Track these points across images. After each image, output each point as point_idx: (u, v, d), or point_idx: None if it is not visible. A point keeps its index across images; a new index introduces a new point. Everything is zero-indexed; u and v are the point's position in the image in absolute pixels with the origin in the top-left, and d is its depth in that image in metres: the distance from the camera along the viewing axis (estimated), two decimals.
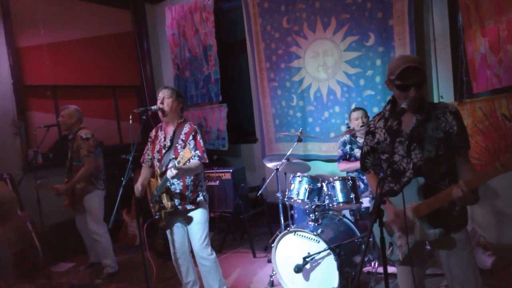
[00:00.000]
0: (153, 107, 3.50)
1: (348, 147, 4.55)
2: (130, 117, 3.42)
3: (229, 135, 6.56)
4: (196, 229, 3.58)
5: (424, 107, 2.34)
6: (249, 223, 5.40)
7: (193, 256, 3.76)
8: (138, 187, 3.59)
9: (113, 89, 6.98)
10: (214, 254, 3.71)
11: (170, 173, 3.14)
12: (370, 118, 4.54)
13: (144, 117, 3.46)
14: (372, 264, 3.96)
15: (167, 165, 3.42)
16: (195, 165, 3.41)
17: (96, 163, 4.60)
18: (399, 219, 2.37)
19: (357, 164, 4.42)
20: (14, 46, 5.57)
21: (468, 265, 2.37)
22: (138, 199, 3.63)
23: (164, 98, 3.49)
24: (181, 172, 3.21)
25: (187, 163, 3.19)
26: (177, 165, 3.09)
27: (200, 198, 3.57)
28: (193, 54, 6.85)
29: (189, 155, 3.08)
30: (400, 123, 2.35)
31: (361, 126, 4.37)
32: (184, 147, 3.43)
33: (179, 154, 3.40)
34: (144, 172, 3.77)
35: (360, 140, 4.48)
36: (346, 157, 4.57)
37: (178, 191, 3.49)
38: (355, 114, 4.46)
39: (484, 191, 4.33)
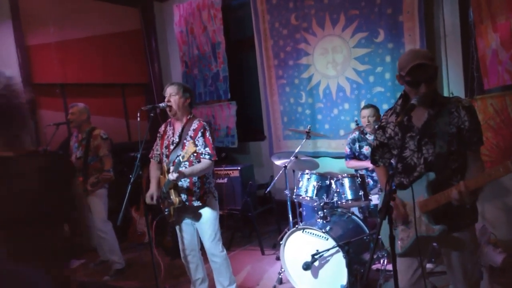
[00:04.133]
0: (161, 105, 3.48)
1: (357, 145, 4.52)
2: (138, 114, 3.42)
3: (238, 133, 6.55)
4: (206, 226, 3.57)
5: (436, 101, 2.31)
6: (257, 220, 5.39)
7: (203, 254, 3.75)
8: (153, 195, 3.58)
9: (121, 87, 7.00)
10: (225, 251, 3.69)
11: (171, 176, 3.16)
12: (380, 115, 4.53)
13: (152, 115, 3.45)
14: (381, 261, 3.93)
15: (174, 161, 3.42)
16: (205, 165, 3.40)
17: None
18: (398, 211, 2.37)
19: (365, 163, 4.40)
20: (23, 45, 5.61)
21: (468, 263, 2.39)
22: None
23: (171, 95, 3.47)
24: (183, 175, 3.23)
25: (192, 158, 3.18)
26: (181, 160, 3.09)
27: (208, 194, 3.55)
28: (201, 52, 6.85)
29: (193, 149, 3.08)
30: (411, 117, 2.33)
31: (366, 125, 4.36)
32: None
33: None
34: (153, 170, 3.75)
35: (370, 138, 4.45)
36: (354, 155, 4.55)
37: (185, 187, 3.48)
38: (363, 112, 4.46)
39: (495, 189, 4.29)
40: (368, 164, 4.36)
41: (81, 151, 4.62)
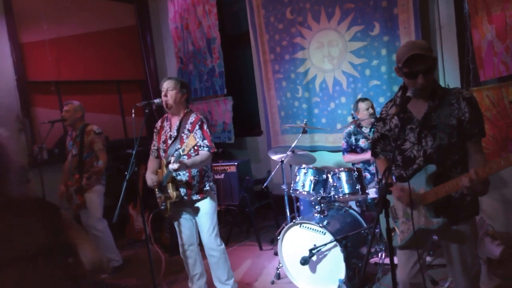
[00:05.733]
0: (156, 100, 3.47)
1: (353, 138, 4.51)
2: (133, 110, 3.41)
3: (234, 128, 6.53)
4: (204, 220, 3.57)
5: (437, 92, 2.29)
6: (255, 216, 5.39)
7: (201, 249, 3.74)
8: (152, 177, 3.55)
9: (117, 84, 6.97)
10: (223, 245, 3.69)
11: (172, 166, 3.13)
12: (375, 108, 4.52)
13: (147, 111, 3.43)
14: (379, 255, 3.93)
15: (173, 155, 3.40)
16: (204, 156, 3.40)
17: None
18: (405, 194, 2.33)
19: (362, 156, 4.39)
20: (17, 42, 5.56)
21: (467, 256, 2.38)
22: (143, 192, 3.59)
23: (168, 90, 3.45)
24: (184, 166, 3.20)
25: (191, 151, 3.17)
26: (181, 153, 3.07)
27: (207, 188, 3.54)
28: (196, 47, 6.82)
29: (194, 142, 3.06)
30: (407, 110, 2.31)
31: (369, 116, 4.33)
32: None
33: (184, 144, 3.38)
34: (151, 163, 3.75)
35: (365, 130, 4.44)
36: (351, 148, 4.54)
37: (184, 181, 3.47)
38: (363, 105, 4.41)
39: (492, 180, 4.24)
40: (365, 156, 4.35)
41: (75, 149, 4.60)
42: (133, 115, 3.37)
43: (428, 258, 4.02)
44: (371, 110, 4.36)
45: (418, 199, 2.30)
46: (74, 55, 6.28)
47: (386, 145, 2.62)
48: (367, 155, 4.33)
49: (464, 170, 2.27)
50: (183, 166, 3.21)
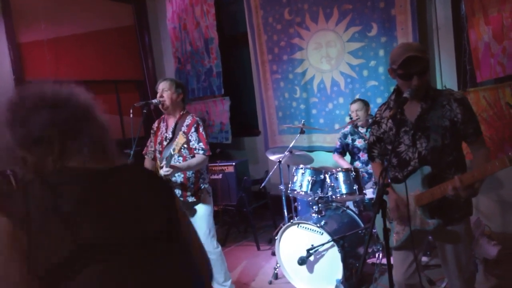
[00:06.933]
0: (154, 101, 3.47)
1: (349, 138, 4.54)
2: (131, 111, 3.41)
3: (232, 128, 6.53)
4: (200, 222, 3.55)
5: (429, 94, 2.30)
6: (252, 216, 5.39)
7: None
8: None
9: (115, 83, 6.95)
10: (220, 248, 3.68)
11: (163, 171, 3.16)
12: (372, 109, 4.54)
13: (145, 111, 3.44)
14: (377, 255, 3.94)
15: (167, 157, 3.41)
16: (200, 160, 3.40)
17: None
18: (399, 209, 2.35)
19: (343, 163, 4.54)
20: (15, 42, 5.53)
21: (462, 256, 2.38)
22: None
23: (164, 91, 3.46)
24: (177, 170, 3.22)
25: (186, 153, 3.17)
26: (172, 153, 3.08)
27: (202, 190, 3.55)
28: (194, 48, 6.82)
29: (183, 140, 3.08)
30: (403, 112, 2.32)
31: (356, 119, 4.39)
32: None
33: None
34: (147, 165, 3.75)
35: (362, 131, 4.47)
36: (342, 149, 4.64)
37: (179, 182, 3.47)
38: (351, 107, 4.52)
39: (489, 181, 4.30)
40: (346, 165, 4.44)
41: None
42: (131, 115, 3.37)
43: (425, 258, 4.04)
44: (355, 114, 4.42)
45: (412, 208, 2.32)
46: (72, 55, 6.26)
47: (382, 148, 2.62)
48: (347, 164, 4.49)
49: (458, 171, 2.29)
50: (175, 170, 3.23)
